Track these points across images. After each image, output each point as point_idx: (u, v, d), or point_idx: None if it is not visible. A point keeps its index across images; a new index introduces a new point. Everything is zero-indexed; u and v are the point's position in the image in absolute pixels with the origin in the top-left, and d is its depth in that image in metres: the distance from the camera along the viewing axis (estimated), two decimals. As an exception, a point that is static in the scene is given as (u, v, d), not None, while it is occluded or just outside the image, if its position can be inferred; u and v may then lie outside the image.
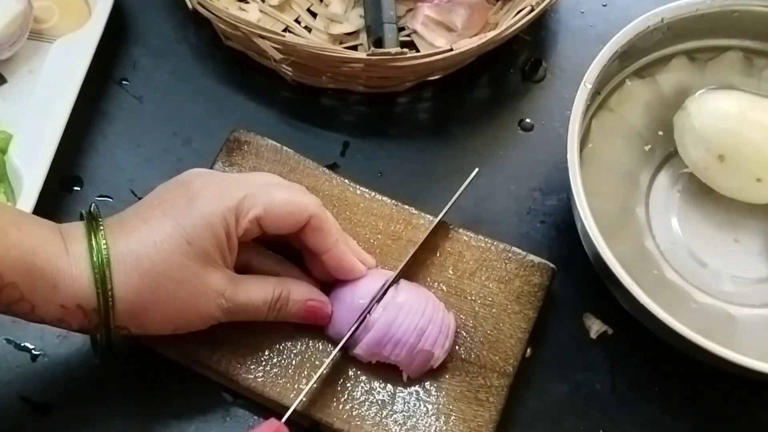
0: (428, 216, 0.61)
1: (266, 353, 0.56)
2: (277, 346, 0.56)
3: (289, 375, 0.55)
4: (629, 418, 0.58)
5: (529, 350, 0.58)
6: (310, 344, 0.56)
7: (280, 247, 0.57)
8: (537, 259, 0.59)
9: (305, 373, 0.55)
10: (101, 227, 0.50)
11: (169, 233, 0.50)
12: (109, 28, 0.66)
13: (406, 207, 0.61)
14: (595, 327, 0.61)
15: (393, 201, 0.61)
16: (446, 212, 0.59)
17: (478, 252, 0.59)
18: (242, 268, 0.54)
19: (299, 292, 0.55)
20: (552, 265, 0.59)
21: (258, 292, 0.53)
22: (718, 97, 0.63)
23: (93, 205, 0.52)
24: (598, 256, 0.54)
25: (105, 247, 0.49)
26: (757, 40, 0.65)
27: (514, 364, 0.56)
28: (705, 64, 0.66)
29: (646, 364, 0.60)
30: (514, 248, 0.60)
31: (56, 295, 0.48)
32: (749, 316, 0.60)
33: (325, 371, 0.54)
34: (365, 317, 0.54)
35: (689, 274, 0.61)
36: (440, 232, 0.60)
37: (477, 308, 0.58)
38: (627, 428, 0.58)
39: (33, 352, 0.58)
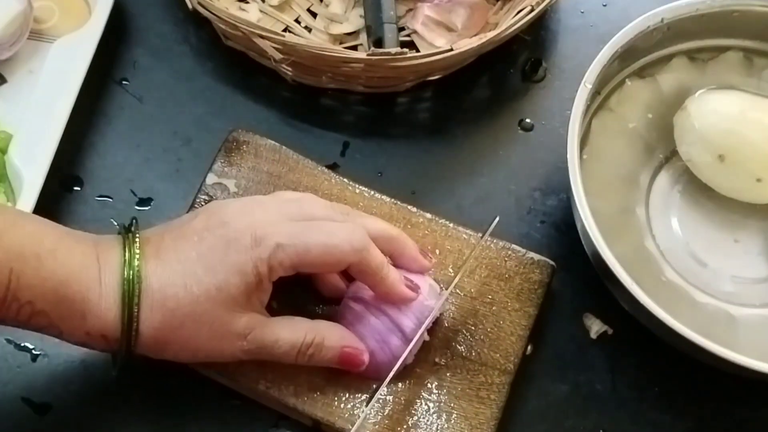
0: (427, 214, 0.61)
1: None
2: None
3: (290, 375, 0.55)
4: (629, 418, 0.58)
5: (529, 347, 0.58)
6: None
7: None
8: (537, 256, 0.59)
9: (306, 370, 0.55)
10: (138, 258, 0.50)
11: (201, 278, 0.50)
12: (109, 28, 0.66)
13: (406, 206, 0.61)
14: (595, 327, 0.61)
15: (392, 200, 0.61)
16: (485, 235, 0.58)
17: (478, 249, 0.60)
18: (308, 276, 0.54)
19: (334, 339, 0.53)
20: (552, 262, 0.59)
21: (288, 334, 0.52)
22: (718, 97, 0.63)
23: (134, 221, 0.52)
24: (598, 256, 0.54)
25: (138, 283, 0.49)
26: (757, 40, 0.65)
27: (515, 361, 0.56)
28: (705, 64, 0.66)
29: (646, 364, 0.60)
30: (513, 246, 0.60)
31: (84, 324, 0.49)
32: (749, 316, 0.60)
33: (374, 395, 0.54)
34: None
35: (689, 274, 0.61)
36: (439, 230, 0.60)
37: (477, 306, 0.58)
38: (627, 428, 0.58)
39: (33, 352, 0.58)
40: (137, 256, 0.50)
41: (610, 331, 0.61)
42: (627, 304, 0.56)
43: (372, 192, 0.61)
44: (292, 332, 0.52)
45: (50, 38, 0.67)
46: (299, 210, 0.53)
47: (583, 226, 0.55)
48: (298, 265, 0.51)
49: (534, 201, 0.65)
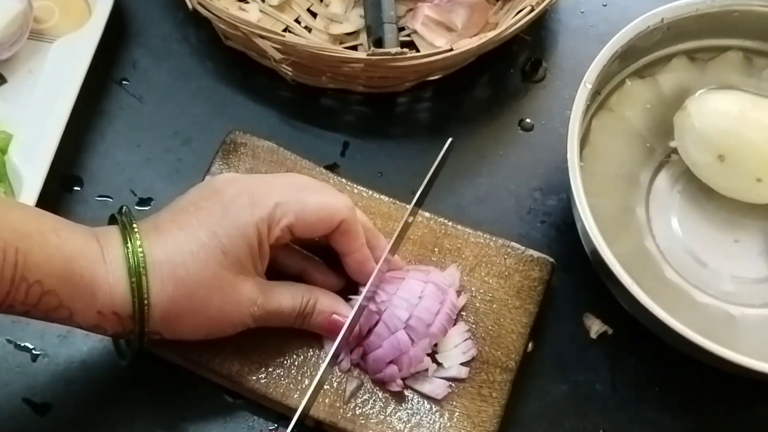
0: (425, 213, 0.61)
1: (268, 354, 0.56)
2: (279, 347, 0.56)
3: (291, 375, 0.55)
4: (629, 418, 0.58)
5: (530, 345, 0.58)
6: (312, 343, 0.56)
7: (306, 243, 0.57)
8: (536, 253, 0.59)
9: (308, 372, 0.55)
10: (137, 233, 0.50)
11: (205, 243, 0.50)
12: (109, 28, 0.66)
13: (404, 204, 0.61)
14: (595, 327, 0.61)
15: (390, 199, 0.61)
16: (422, 192, 0.57)
17: (477, 248, 0.60)
18: (269, 264, 0.54)
19: (326, 304, 0.55)
20: (551, 260, 0.60)
21: (288, 299, 0.54)
22: (718, 97, 0.63)
23: (124, 207, 0.52)
24: (598, 256, 0.54)
25: (142, 255, 0.49)
26: (757, 40, 0.65)
27: (516, 358, 0.57)
28: (705, 64, 0.66)
29: (646, 364, 0.60)
30: (512, 243, 0.60)
31: (94, 302, 0.49)
32: (749, 316, 0.60)
33: (323, 376, 0.54)
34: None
35: (689, 274, 0.61)
36: (437, 228, 0.60)
37: (477, 304, 0.58)
38: (627, 428, 0.58)
39: (33, 352, 0.58)
40: (136, 234, 0.50)
41: (610, 331, 0.61)
42: (627, 304, 0.56)
43: (370, 192, 0.61)
44: (292, 296, 0.54)
45: (50, 38, 0.67)
46: (288, 178, 0.56)
47: (583, 225, 0.55)
48: (296, 225, 0.52)
49: (534, 201, 0.65)
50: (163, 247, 0.50)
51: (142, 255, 0.49)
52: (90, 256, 0.49)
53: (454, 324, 0.57)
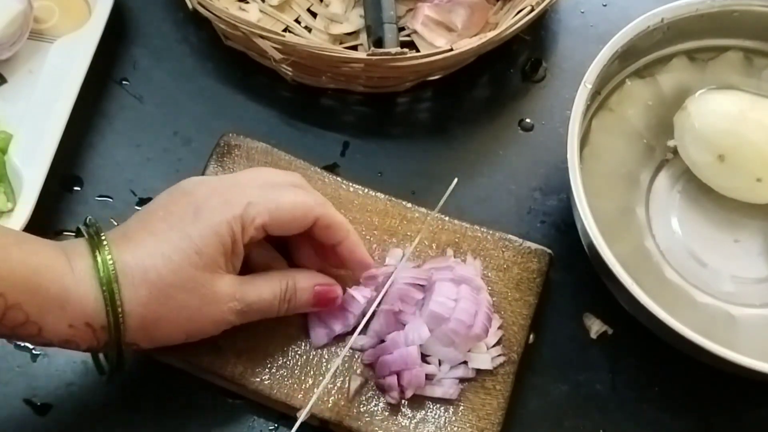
0: (421, 209, 0.61)
1: (271, 356, 0.55)
2: (282, 348, 0.56)
3: (295, 375, 0.55)
4: (629, 418, 0.58)
5: (531, 336, 0.58)
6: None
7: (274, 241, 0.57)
8: (534, 245, 0.60)
9: (311, 372, 0.55)
10: (104, 241, 0.49)
11: (177, 245, 0.49)
12: (109, 28, 0.66)
13: (401, 202, 0.61)
14: (595, 327, 0.61)
15: (386, 196, 0.61)
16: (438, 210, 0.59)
17: (475, 242, 0.60)
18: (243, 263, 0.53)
19: (305, 280, 0.54)
20: (549, 251, 0.60)
21: (267, 288, 0.53)
22: (718, 97, 0.63)
23: (88, 218, 0.51)
24: (598, 256, 0.54)
25: (111, 261, 0.48)
26: (757, 40, 0.65)
27: (518, 350, 0.57)
28: (705, 64, 0.66)
29: (646, 364, 0.60)
30: (510, 236, 0.60)
31: (64, 314, 0.47)
32: (749, 316, 0.60)
33: (331, 369, 0.55)
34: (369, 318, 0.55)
35: (689, 274, 0.61)
36: (434, 224, 0.61)
37: None
38: (627, 428, 0.58)
39: (33, 352, 0.58)
40: (104, 243, 0.49)
41: (610, 331, 0.61)
42: (627, 304, 0.56)
43: (366, 190, 0.61)
44: (269, 284, 0.53)
45: (50, 38, 0.67)
46: (258, 175, 0.54)
47: (583, 225, 0.55)
48: (269, 223, 0.51)
49: (534, 201, 0.65)
50: (133, 254, 0.49)
51: (111, 262, 0.48)
52: (57, 268, 0.48)
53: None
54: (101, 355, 0.52)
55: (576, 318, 0.61)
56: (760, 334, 0.59)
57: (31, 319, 0.47)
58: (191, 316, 0.50)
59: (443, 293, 0.55)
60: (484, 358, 0.56)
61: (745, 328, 0.59)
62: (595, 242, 0.54)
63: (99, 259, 0.48)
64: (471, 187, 0.65)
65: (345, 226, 0.54)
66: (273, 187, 0.53)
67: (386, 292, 0.55)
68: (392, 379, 0.54)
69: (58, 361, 0.58)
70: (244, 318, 0.52)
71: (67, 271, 0.48)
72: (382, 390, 0.55)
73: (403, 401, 0.55)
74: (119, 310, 0.48)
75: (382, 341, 0.55)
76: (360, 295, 0.56)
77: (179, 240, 0.49)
